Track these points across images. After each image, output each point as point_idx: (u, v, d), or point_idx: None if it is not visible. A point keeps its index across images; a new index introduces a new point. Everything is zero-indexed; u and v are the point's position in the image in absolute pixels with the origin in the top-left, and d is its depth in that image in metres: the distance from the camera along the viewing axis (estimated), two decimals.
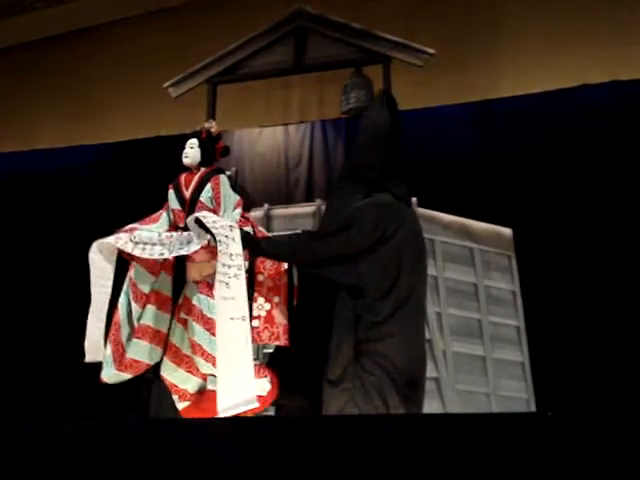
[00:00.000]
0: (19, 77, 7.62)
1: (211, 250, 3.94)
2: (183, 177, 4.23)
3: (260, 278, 3.97)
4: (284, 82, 6.41)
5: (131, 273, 4.08)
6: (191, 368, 4.02)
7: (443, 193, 5.84)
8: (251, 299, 3.91)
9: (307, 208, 5.47)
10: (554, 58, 5.98)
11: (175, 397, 4.08)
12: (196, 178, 4.19)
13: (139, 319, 4.01)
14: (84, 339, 4.06)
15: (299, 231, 4.17)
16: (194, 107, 5.87)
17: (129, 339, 4.01)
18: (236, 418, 3.49)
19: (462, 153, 6.41)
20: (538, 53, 6.04)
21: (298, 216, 5.35)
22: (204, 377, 4.02)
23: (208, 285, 3.99)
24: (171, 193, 4.22)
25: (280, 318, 3.94)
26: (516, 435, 2.60)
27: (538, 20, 6.11)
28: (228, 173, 5.85)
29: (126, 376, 4.04)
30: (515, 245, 5.57)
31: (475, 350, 5.22)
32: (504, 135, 6.36)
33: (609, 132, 6.05)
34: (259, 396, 3.89)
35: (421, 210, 4.99)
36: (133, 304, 4.02)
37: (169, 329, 4.09)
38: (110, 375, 4.02)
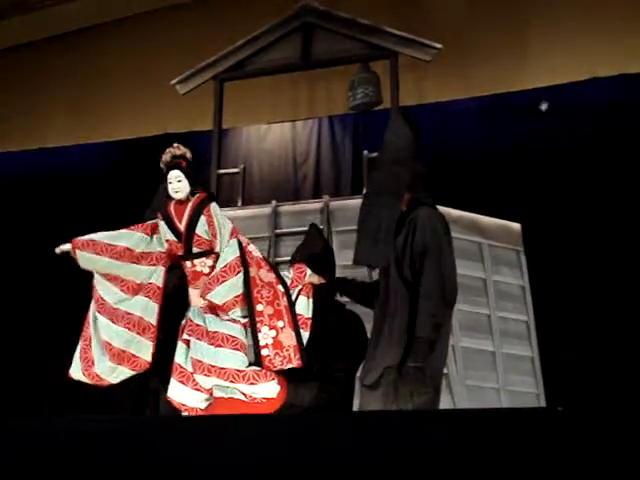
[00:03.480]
0: (26, 76, 7.62)
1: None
2: (172, 208, 4.12)
3: (259, 308, 3.97)
4: (291, 78, 6.40)
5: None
6: (197, 385, 4.03)
7: (452, 188, 5.82)
8: (255, 331, 3.93)
9: (315, 204, 5.46)
10: (563, 52, 5.96)
11: (185, 414, 4.08)
12: (188, 210, 4.10)
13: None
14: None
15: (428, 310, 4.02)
16: (202, 104, 5.88)
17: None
18: (241, 416, 3.49)
19: (471, 148, 6.39)
20: (546, 47, 6.02)
21: (306, 212, 5.35)
22: (210, 391, 4.03)
23: (210, 307, 4.02)
24: (162, 224, 4.15)
25: (288, 341, 3.93)
26: (526, 430, 2.60)
27: (547, 14, 6.08)
28: (236, 170, 5.88)
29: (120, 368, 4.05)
30: (524, 240, 5.55)
31: (484, 345, 5.21)
32: (513, 129, 6.34)
33: (618, 126, 6.03)
34: (270, 398, 3.91)
35: None
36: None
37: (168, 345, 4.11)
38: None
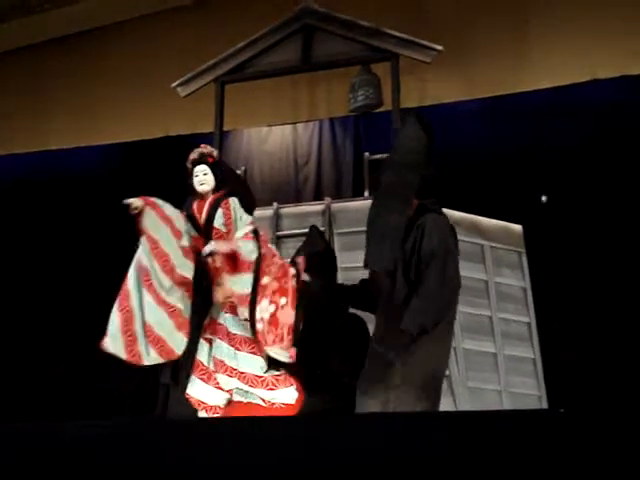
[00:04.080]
0: (28, 78, 7.64)
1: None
2: (195, 205, 4.21)
3: (265, 281, 3.94)
4: (292, 80, 6.40)
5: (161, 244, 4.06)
6: (219, 384, 4.03)
7: (453, 190, 5.82)
8: (254, 304, 3.91)
9: (316, 206, 5.47)
10: (564, 53, 5.96)
11: (202, 412, 4.08)
12: (207, 204, 4.18)
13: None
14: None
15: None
16: (203, 106, 5.89)
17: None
18: (244, 418, 3.50)
19: (472, 150, 6.39)
20: (547, 48, 6.02)
21: (307, 214, 5.35)
22: (230, 392, 4.04)
23: (232, 306, 4.03)
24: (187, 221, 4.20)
25: (285, 318, 3.91)
26: (528, 432, 2.59)
27: (547, 16, 6.08)
28: (237, 172, 5.88)
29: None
30: (525, 242, 5.55)
31: (486, 347, 5.21)
32: (514, 131, 6.34)
33: (619, 127, 6.03)
34: (288, 404, 3.91)
35: None
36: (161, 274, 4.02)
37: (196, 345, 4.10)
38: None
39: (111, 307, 4.06)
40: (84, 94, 7.41)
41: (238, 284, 3.93)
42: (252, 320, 3.88)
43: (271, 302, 3.92)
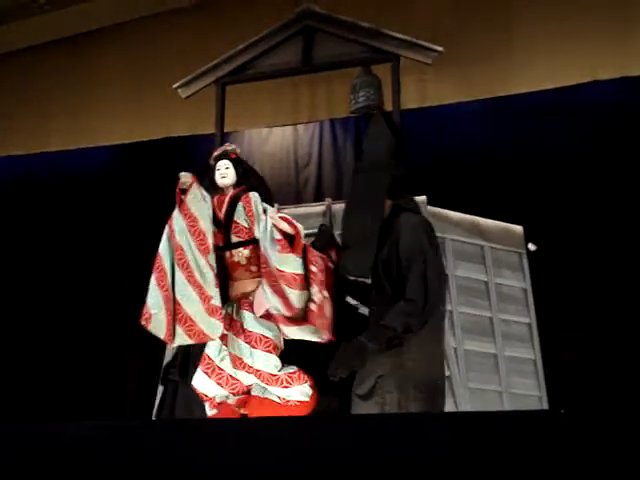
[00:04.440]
0: (27, 80, 7.63)
1: (249, 269, 4.09)
2: (215, 199, 4.25)
3: (314, 269, 3.96)
4: (292, 82, 6.41)
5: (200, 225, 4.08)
6: (221, 381, 4.06)
7: (453, 191, 5.83)
8: (308, 285, 3.92)
9: (317, 208, 5.46)
10: (564, 54, 5.96)
11: (206, 404, 4.13)
12: (227, 199, 4.22)
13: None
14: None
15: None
16: (203, 108, 5.88)
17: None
18: (244, 419, 3.50)
19: (472, 151, 6.40)
20: (548, 49, 6.02)
21: (308, 215, 5.34)
22: (234, 389, 4.06)
23: (249, 302, 4.06)
24: None
25: (328, 311, 3.94)
26: (528, 433, 2.59)
27: (547, 16, 6.08)
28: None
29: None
30: (526, 242, 5.55)
31: (487, 348, 5.21)
32: (514, 132, 6.34)
33: (620, 128, 6.03)
34: (303, 402, 3.93)
35: (431, 208, 4.98)
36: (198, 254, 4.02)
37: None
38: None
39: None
40: (84, 95, 7.41)
41: (291, 264, 3.92)
42: (307, 300, 3.89)
43: (320, 290, 3.94)
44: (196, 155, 6.65)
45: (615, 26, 5.86)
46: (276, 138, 7.28)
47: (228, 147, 4.44)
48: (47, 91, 7.56)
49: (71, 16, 7.33)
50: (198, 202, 4.11)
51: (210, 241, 4.06)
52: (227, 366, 4.06)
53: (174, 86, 5.65)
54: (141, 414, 5.77)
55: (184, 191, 4.13)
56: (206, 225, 4.07)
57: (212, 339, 4.00)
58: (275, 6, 6.17)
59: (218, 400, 4.12)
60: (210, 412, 4.17)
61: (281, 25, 5.45)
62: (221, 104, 5.56)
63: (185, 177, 4.14)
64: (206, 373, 4.08)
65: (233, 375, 4.05)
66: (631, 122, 6.01)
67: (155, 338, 4.14)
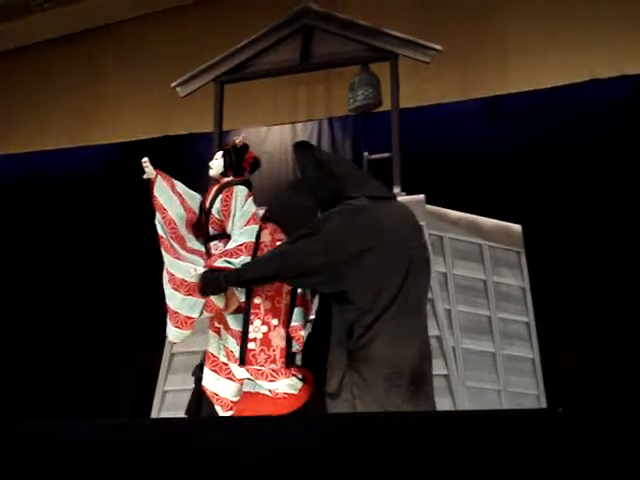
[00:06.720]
0: (26, 78, 7.64)
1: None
2: (209, 189, 4.25)
3: (257, 300, 3.94)
4: (291, 80, 6.41)
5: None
6: (230, 374, 4.04)
7: (452, 190, 5.83)
8: (247, 322, 3.91)
9: None
10: (563, 53, 5.97)
11: (218, 407, 4.09)
12: (214, 189, 4.20)
13: None
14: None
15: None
16: (202, 106, 5.89)
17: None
18: (249, 418, 3.49)
19: (470, 150, 6.40)
20: (547, 48, 6.03)
21: None
22: (241, 382, 4.05)
23: None
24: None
25: (277, 341, 3.90)
26: (526, 431, 2.60)
27: (546, 15, 6.09)
28: None
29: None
30: (524, 241, 5.56)
31: (485, 347, 5.21)
32: (513, 131, 6.35)
33: (618, 127, 6.04)
34: (291, 394, 3.91)
35: (430, 207, 4.99)
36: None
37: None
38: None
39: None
40: (83, 94, 7.42)
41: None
42: (244, 341, 3.88)
43: (264, 323, 3.91)
44: (195, 154, 6.66)
45: (613, 25, 5.87)
46: (274, 137, 7.29)
47: (236, 140, 4.35)
48: (46, 89, 7.56)
49: (71, 14, 7.34)
50: (166, 194, 4.10)
51: (183, 230, 4.06)
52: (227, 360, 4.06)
53: (172, 84, 5.66)
54: (141, 414, 5.76)
55: (150, 182, 4.14)
56: (176, 216, 4.03)
57: (194, 318, 3.95)
58: (274, 4, 6.17)
59: (233, 399, 4.06)
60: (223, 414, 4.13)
61: (280, 23, 5.45)
62: (220, 102, 5.56)
63: (148, 168, 4.14)
64: (214, 371, 4.05)
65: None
66: (630, 121, 6.01)
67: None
